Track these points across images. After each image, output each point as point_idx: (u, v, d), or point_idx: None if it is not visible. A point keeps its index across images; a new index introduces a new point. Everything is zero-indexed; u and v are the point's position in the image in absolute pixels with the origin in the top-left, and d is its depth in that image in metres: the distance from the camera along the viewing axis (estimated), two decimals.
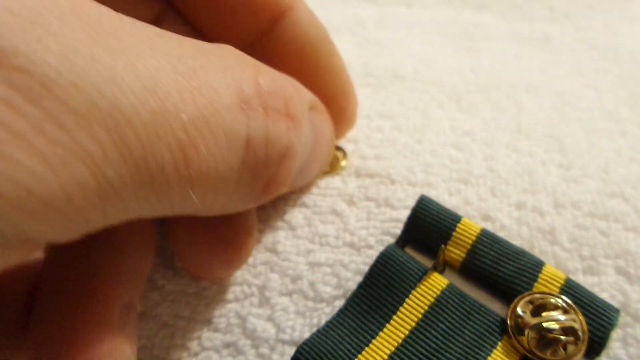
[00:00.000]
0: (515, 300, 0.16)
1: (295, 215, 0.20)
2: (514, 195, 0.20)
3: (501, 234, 0.19)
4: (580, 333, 0.15)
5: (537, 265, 0.17)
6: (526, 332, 0.15)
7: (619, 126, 0.23)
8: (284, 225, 0.19)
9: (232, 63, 0.13)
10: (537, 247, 0.18)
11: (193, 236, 0.17)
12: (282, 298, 0.18)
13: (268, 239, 0.19)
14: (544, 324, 0.15)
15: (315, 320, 0.17)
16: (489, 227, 0.19)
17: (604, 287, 0.17)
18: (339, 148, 0.22)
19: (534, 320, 0.15)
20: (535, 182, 0.20)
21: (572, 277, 0.17)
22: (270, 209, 0.20)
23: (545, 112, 0.24)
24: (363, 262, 0.18)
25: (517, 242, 0.18)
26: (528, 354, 0.15)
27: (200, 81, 0.11)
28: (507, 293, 0.16)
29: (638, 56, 0.28)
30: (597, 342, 0.15)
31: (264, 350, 0.17)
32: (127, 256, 0.15)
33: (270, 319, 0.17)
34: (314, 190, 0.21)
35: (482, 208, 0.19)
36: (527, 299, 0.16)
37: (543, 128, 0.23)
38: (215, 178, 0.12)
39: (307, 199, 0.20)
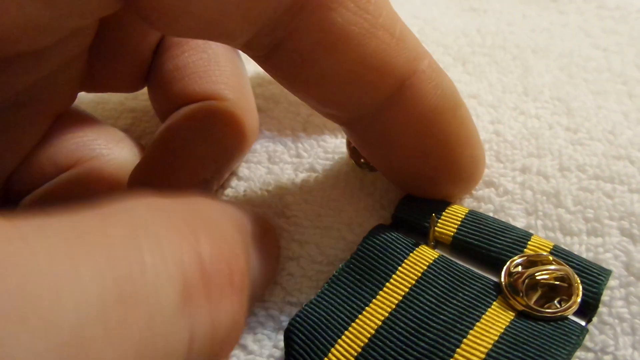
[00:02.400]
0: (508, 263, 0.16)
1: (305, 179, 0.20)
2: (519, 160, 0.20)
3: (504, 199, 0.19)
4: (573, 282, 0.15)
5: (525, 237, 0.17)
6: (521, 287, 0.15)
7: (627, 87, 0.23)
8: (293, 189, 0.20)
9: (165, 232, 0.10)
10: (541, 210, 0.18)
11: None
12: (289, 263, 0.18)
13: (277, 203, 0.19)
14: (537, 275, 0.15)
15: (322, 283, 0.17)
16: (492, 192, 0.19)
17: (607, 247, 0.17)
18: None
19: (527, 272, 0.15)
20: (542, 146, 0.20)
21: (576, 239, 0.18)
22: (279, 173, 0.20)
23: (552, 73, 0.24)
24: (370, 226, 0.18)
25: (520, 205, 0.19)
26: (526, 309, 0.15)
27: (130, 297, 0.08)
28: (497, 265, 0.16)
29: None
30: (591, 298, 0.16)
31: (274, 312, 0.17)
32: (211, 140, 0.17)
33: (278, 282, 0.18)
34: (322, 155, 0.20)
35: (486, 175, 0.19)
36: (518, 260, 0.16)
37: (550, 90, 0.23)
38: None
39: (316, 164, 0.20)
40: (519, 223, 0.18)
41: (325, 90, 0.14)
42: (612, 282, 0.17)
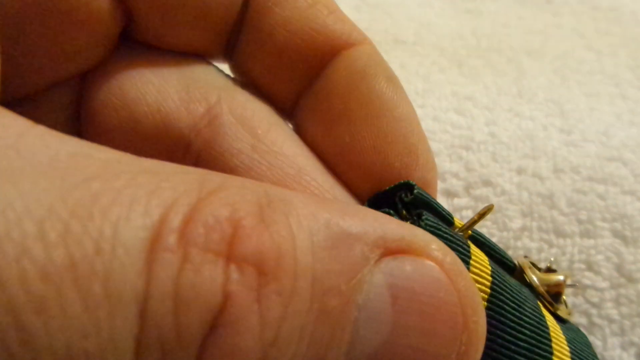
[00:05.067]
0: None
1: None
2: (515, 161, 0.20)
3: (502, 199, 0.19)
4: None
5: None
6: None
7: (619, 89, 0.23)
8: None
9: (170, 183, 0.09)
10: (537, 212, 0.19)
11: None
12: None
13: None
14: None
15: None
16: (490, 192, 0.19)
17: (599, 249, 0.18)
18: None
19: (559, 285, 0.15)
20: (536, 147, 0.21)
21: (569, 240, 0.18)
22: None
23: (546, 75, 0.24)
24: None
25: (517, 206, 0.19)
26: (557, 313, 0.15)
27: (88, 214, 0.08)
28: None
29: (639, 17, 0.28)
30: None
31: None
32: None
33: None
34: None
35: (484, 174, 0.20)
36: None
37: (544, 92, 0.23)
38: None
39: None
40: (515, 224, 0.19)
41: (271, 60, 0.15)
42: (602, 283, 0.17)
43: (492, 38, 0.27)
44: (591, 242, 0.18)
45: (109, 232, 0.08)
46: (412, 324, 0.09)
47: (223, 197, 0.09)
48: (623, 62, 0.25)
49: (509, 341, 0.12)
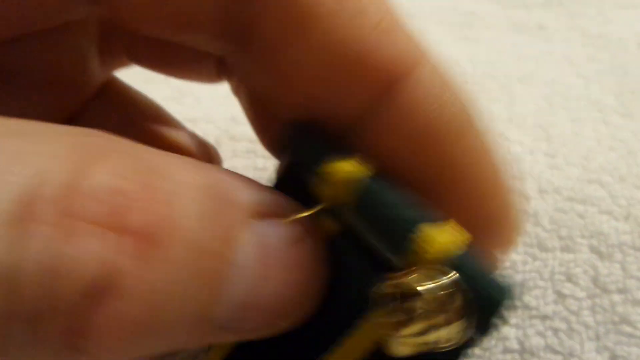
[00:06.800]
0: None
1: None
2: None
3: None
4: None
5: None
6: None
7: (602, 115, 0.25)
8: None
9: (40, 147, 0.08)
10: (522, 228, 0.21)
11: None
12: None
13: None
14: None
15: None
16: None
17: (578, 263, 0.20)
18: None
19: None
20: (523, 170, 0.23)
21: (550, 254, 0.20)
22: None
23: (535, 102, 0.26)
24: None
25: None
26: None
27: None
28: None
29: (627, 43, 0.30)
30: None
31: None
32: None
33: None
34: None
35: None
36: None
37: (533, 118, 0.25)
38: None
39: None
40: None
41: (299, 85, 0.12)
42: (580, 293, 0.19)
43: (487, 65, 0.29)
44: (571, 256, 0.20)
45: None
46: (273, 274, 0.10)
47: (103, 163, 0.08)
48: (609, 88, 0.27)
49: None
